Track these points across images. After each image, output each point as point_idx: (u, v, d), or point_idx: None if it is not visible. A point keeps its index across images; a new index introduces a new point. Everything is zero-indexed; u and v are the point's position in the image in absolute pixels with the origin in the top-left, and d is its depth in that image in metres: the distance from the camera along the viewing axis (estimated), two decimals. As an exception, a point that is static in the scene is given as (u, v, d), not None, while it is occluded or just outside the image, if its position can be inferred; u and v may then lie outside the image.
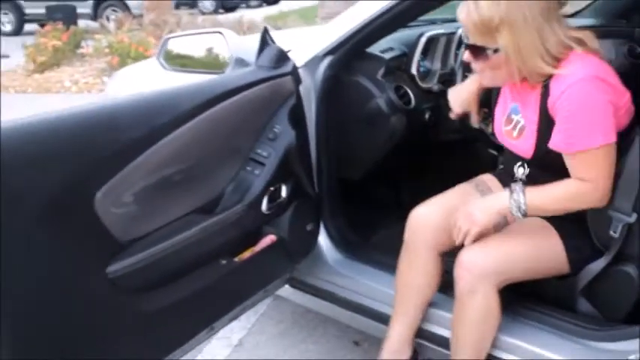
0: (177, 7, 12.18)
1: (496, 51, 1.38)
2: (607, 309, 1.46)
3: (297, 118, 1.64)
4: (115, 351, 1.29)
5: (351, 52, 1.78)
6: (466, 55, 1.46)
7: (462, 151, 2.34)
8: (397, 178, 2.39)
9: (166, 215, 1.36)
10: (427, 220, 1.61)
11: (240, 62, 1.61)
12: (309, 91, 1.74)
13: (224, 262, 1.49)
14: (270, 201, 1.58)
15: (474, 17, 1.34)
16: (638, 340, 1.32)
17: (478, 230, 1.44)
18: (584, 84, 1.32)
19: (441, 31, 2.19)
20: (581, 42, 1.37)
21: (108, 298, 1.23)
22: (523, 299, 1.54)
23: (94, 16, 11.93)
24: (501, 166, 1.76)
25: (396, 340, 1.64)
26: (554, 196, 1.44)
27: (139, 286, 1.28)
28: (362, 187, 2.12)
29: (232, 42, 1.69)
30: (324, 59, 1.75)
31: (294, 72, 1.62)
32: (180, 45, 1.91)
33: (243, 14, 8.59)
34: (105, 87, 6.19)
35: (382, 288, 1.74)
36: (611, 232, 1.38)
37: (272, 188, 1.58)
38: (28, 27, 12.42)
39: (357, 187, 2.07)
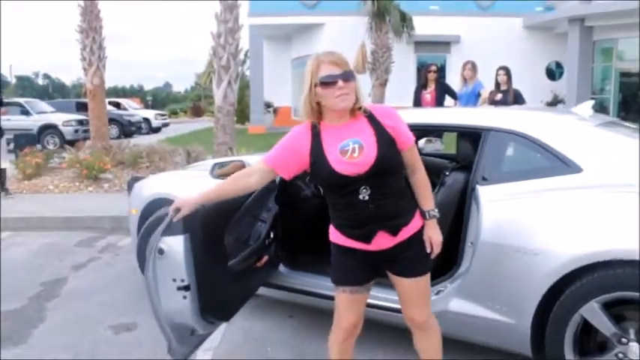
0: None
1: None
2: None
3: (276, 200, 3.41)
4: (231, 291, 2.98)
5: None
6: (340, 83, 2.09)
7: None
8: (315, 230, 3.46)
9: (235, 243, 3.06)
10: (350, 333, 2.46)
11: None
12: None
13: (254, 265, 3.20)
14: (267, 239, 3.28)
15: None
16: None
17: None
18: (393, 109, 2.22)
19: None
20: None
21: (228, 274, 2.93)
22: None
23: (38, 140, 15.72)
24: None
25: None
26: (429, 191, 2.27)
27: (235, 271, 2.98)
28: (297, 233, 3.76)
29: (247, 163, 3.66)
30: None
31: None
32: (223, 164, 3.84)
33: (147, 141, 11.61)
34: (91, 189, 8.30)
35: (311, 280, 3.41)
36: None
37: (269, 233, 3.26)
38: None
39: (296, 233, 3.71)
